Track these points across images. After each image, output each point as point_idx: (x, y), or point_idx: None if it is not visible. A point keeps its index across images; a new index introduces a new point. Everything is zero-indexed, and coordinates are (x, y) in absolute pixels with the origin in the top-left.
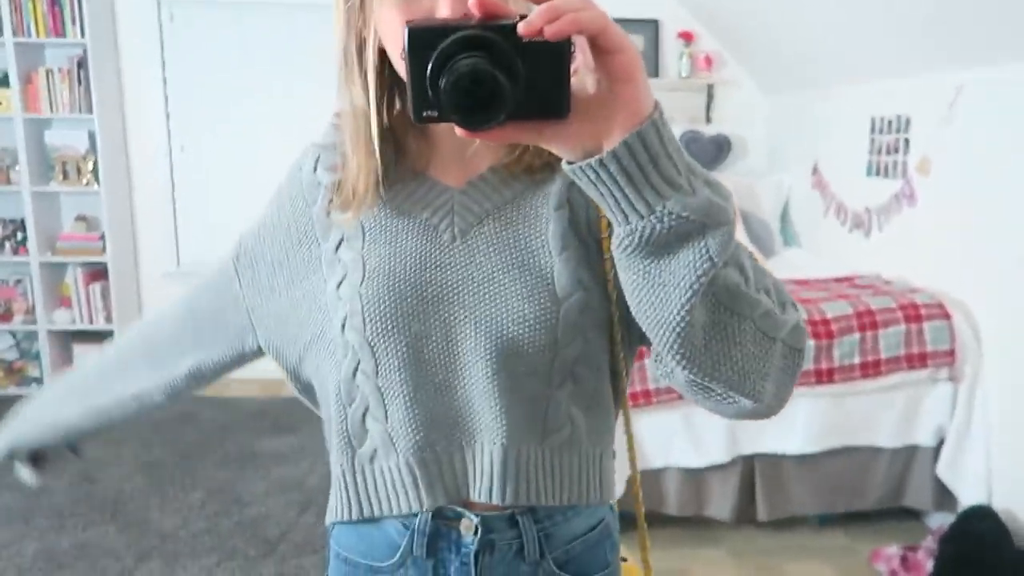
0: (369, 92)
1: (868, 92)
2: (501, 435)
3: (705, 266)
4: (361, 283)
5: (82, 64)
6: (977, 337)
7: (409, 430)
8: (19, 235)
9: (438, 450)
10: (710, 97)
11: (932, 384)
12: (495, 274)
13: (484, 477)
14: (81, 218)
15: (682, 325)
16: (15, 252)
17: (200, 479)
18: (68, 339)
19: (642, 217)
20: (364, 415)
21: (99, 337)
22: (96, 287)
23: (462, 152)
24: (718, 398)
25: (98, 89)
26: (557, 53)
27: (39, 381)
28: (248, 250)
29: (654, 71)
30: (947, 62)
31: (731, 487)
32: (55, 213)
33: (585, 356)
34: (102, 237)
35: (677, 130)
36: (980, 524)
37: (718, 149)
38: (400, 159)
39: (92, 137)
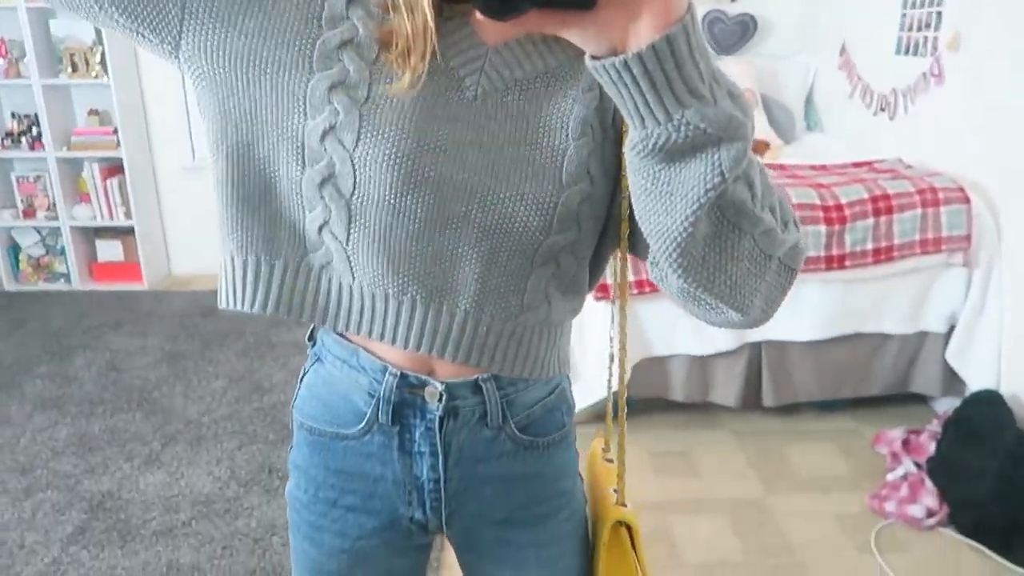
0: None
1: None
2: (475, 301)
3: (715, 180)
4: (356, 146)
5: None
6: (996, 222)
7: (374, 262)
8: (34, 130)
9: (402, 295)
10: None
11: (945, 269)
12: (505, 145)
13: (446, 337)
14: (94, 112)
15: (684, 235)
16: (31, 147)
17: (222, 368)
18: (91, 235)
19: (659, 123)
20: (321, 227)
21: (121, 232)
22: (113, 182)
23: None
24: (707, 307)
25: None
26: None
27: (67, 277)
28: None
29: None
30: None
31: (737, 373)
32: (67, 107)
33: (573, 245)
34: (115, 131)
35: (700, 9)
36: (985, 407)
37: (743, 30)
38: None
39: (98, 28)
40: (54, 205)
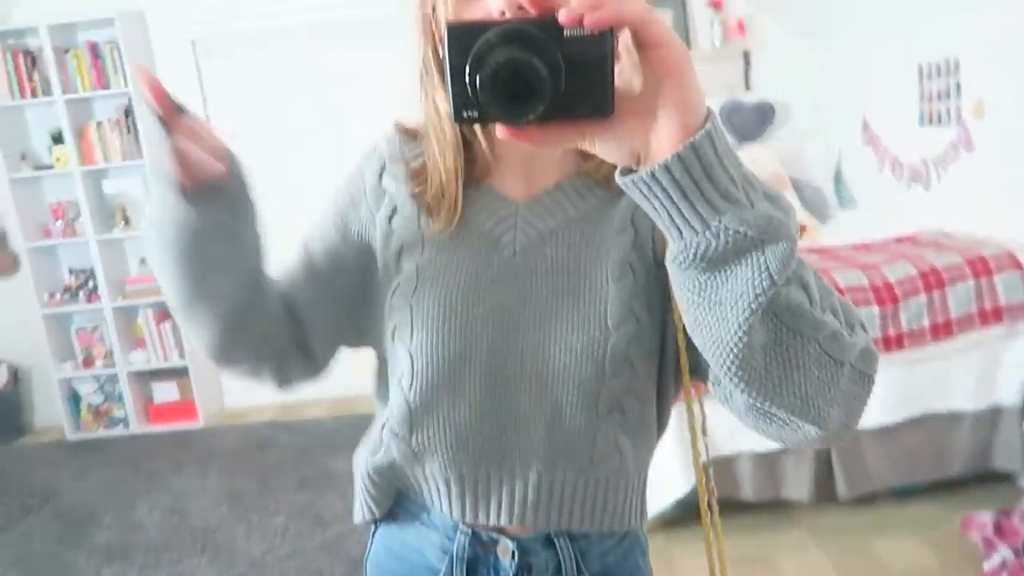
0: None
1: (913, 35)
2: (545, 462)
3: (764, 284)
4: (413, 294)
5: (128, 112)
6: None
7: (444, 445)
8: (90, 283)
9: (468, 471)
10: (747, 63)
11: (1010, 338)
12: (548, 298)
13: (522, 503)
14: (145, 261)
15: (740, 346)
16: (88, 300)
17: (282, 503)
18: (147, 378)
19: (696, 232)
20: (405, 419)
21: (175, 374)
22: (167, 325)
23: (528, 165)
24: (780, 423)
25: (147, 135)
26: (599, 45)
27: (125, 422)
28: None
29: (685, 44)
30: None
31: (807, 466)
32: (121, 258)
33: (632, 387)
34: None
35: (716, 102)
36: None
37: (761, 117)
38: (466, 167)
39: (147, 182)
40: (111, 353)
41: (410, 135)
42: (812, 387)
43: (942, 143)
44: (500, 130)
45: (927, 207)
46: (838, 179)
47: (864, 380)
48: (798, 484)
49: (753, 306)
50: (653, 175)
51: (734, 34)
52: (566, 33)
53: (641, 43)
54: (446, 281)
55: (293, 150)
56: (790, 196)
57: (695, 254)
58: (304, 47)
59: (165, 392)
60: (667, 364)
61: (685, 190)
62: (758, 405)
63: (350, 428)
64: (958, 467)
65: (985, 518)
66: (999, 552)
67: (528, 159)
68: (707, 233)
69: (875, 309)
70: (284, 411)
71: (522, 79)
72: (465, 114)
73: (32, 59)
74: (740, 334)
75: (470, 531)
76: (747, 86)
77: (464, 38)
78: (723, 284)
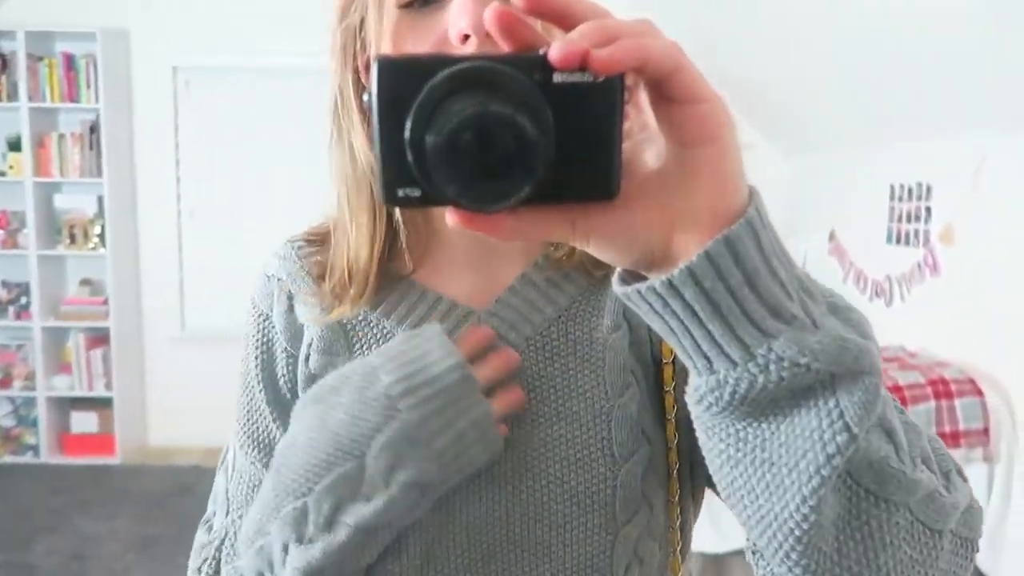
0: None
1: (888, 157)
2: None
3: (840, 439)
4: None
5: (94, 128)
6: (1011, 412)
7: None
8: (23, 299)
9: None
10: None
11: (965, 465)
12: (534, 432)
13: None
14: (86, 282)
15: (805, 524)
16: (18, 316)
17: None
18: (67, 405)
19: (736, 365)
20: None
21: (98, 404)
22: (97, 353)
23: (484, 256)
24: None
25: (109, 153)
26: (604, 96)
27: (35, 450)
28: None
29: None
30: (970, 127)
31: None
32: (60, 277)
33: (651, 529)
34: (106, 302)
35: None
36: None
37: None
38: (392, 256)
39: (101, 201)
40: (32, 374)
41: (309, 243)
42: (903, 570)
43: (908, 263)
44: (452, 216)
45: (888, 322)
46: None
47: (967, 547)
48: None
49: (824, 471)
50: (671, 284)
51: None
52: (556, 79)
53: (667, 97)
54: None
55: (260, 189)
56: None
57: (733, 393)
58: (286, 89)
59: (84, 423)
60: (684, 479)
61: (718, 304)
62: None
63: None
64: None
65: None
66: None
67: (484, 248)
68: (751, 365)
69: None
70: (209, 455)
71: (498, 145)
72: (402, 193)
73: (3, 62)
74: (805, 509)
75: None
76: None
77: (404, 78)
78: (776, 437)
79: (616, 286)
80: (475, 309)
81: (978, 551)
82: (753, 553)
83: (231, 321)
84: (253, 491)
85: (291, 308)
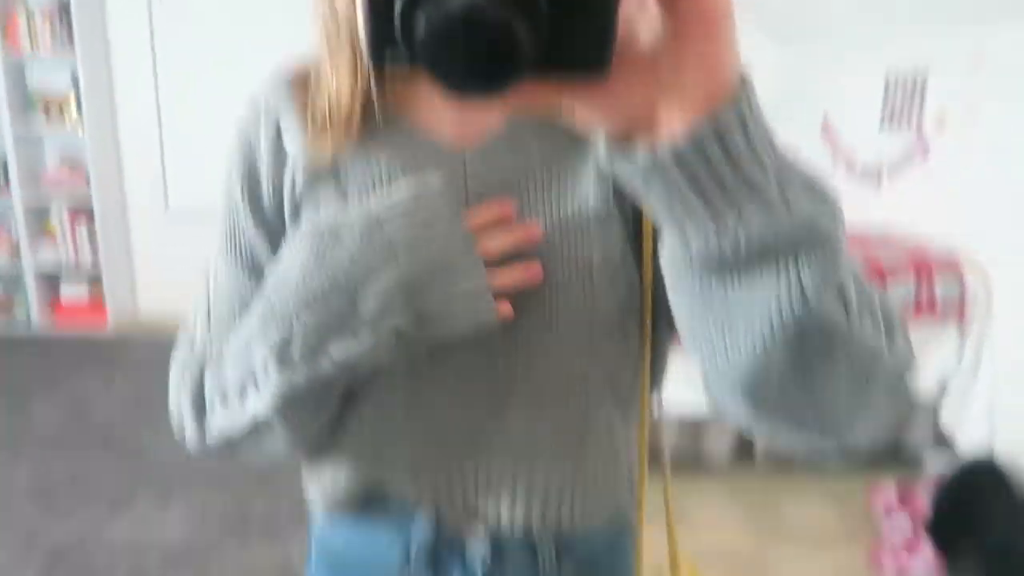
0: None
1: (884, 45)
2: (522, 449)
3: (796, 305)
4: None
5: (65, 8)
6: (988, 290)
7: (401, 432)
8: (1, 176)
9: (434, 460)
10: None
11: (939, 330)
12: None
13: (496, 494)
14: (66, 159)
15: (753, 371)
16: None
17: None
18: (55, 277)
19: (708, 235)
20: (352, 408)
21: (87, 277)
22: (82, 228)
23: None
24: (791, 440)
25: (81, 28)
26: None
27: (27, 321)
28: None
29: None
30: (968, 15)
31: (728, 427)
32: (39, 153)
33: (625, 356)
34: (87, 178)
35: None
36: (981, 473)
37: None
38: (381, 98)
39: (75, 78)
40: (18, 247)
41: (298, 82)
42: (837, 409)
43: (899, 148)
44: (440, 94)
45: (875, 207)
46: None
47: (899, 395)
48: (719, 444)
49: (777, 331)
50: (655, 160)
51: None
52: None
53: None
54: None
55: (239, 60)
56: None
57: (703, 259)
58: None
59: (74, 293)
60: (662, 311)
61: (699, 180)
62: (764, 427)
63: None
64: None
65: (889, 489)
66: (898, 520)
67: None
68: (722, 239)
69: None
70: None
71: (485, 42)
72: (388, 53)
73: None
74: (754, 358)
75: (434, 523)
76: None
77: None
78: (738, 298)
79: (601, 155)
80: (462, 150)
81: (910, 396)
82: (708, 392)
83: (215, 196)
84: (238, 306)
85: (278, 135)
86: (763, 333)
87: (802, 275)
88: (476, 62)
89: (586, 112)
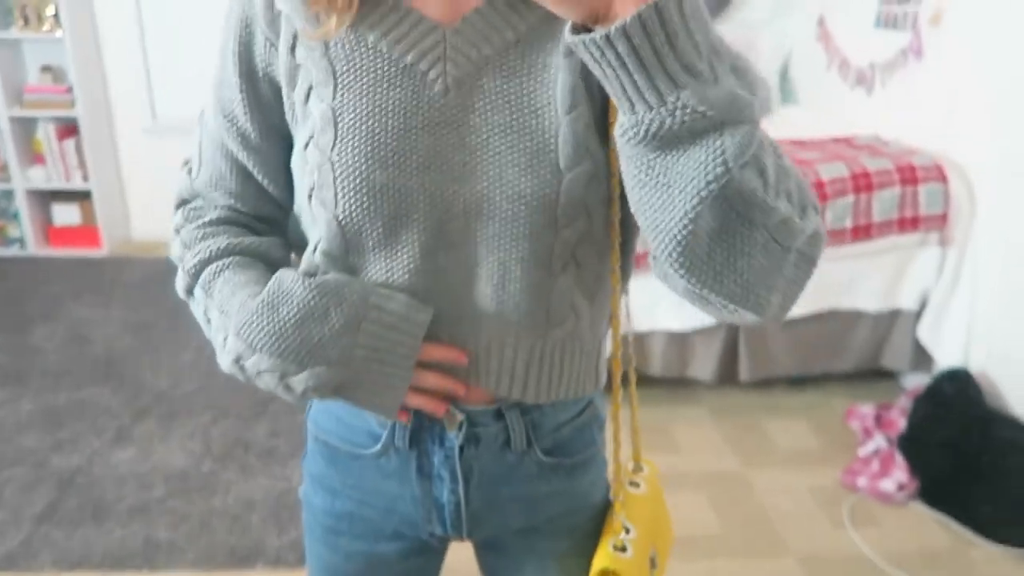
0: None
1: None
2: (492, 327)
3: (718, 171)
4: (332, 147)
5: None
6: (972, 200)
7: None
8: None
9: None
10: None
11: (920, 247)
12: (492, 139)
13: (471, 371)
14: (47, 68)
15: (684, 232)
16: None
17: (190, 339)
18: (46, 198)
19: (651, 108)
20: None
21: (78, 196)
22: (70, 143)
23: None
24: (717, 308)
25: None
26: None
27: (21, 242)
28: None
29: None
30: None
31: (714, 349)
32: (19, 63)
33: (589, 236)
34: (70, 89)
35: None
36: (954, 385)
37: None
38: None
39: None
40: (6, 166)
41: None
42: (755, 274)
43: (893, 48)
44: None
45: (867, 111)
46: (784, 74)
47: (807, 264)
48: (704, 364)
49: (703, 193)
50: (608, 38)
51: None
52: None
53: None
54: (370, 130)
55: None
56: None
57: (647, 131)
58: None
59: (66, 215)
60: (628, 209)
61: (643, 58)
62: (695, 291)
63: None
64: (851, 362)
65: (867, 410)
66: (874, 440)
67: None
68: (662, 109)
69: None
70: None
71: None
72: None
73: None
74: (686, 220)
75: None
76: None
77: None
78: (673, 166)
79: (567, 36)
80: (443, 24)
81: (815, 267)
82: (653, 258)
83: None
84: (218, 150)
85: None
86: (693, 195)
87: (724, 143)
88: None
89: (558, 4)
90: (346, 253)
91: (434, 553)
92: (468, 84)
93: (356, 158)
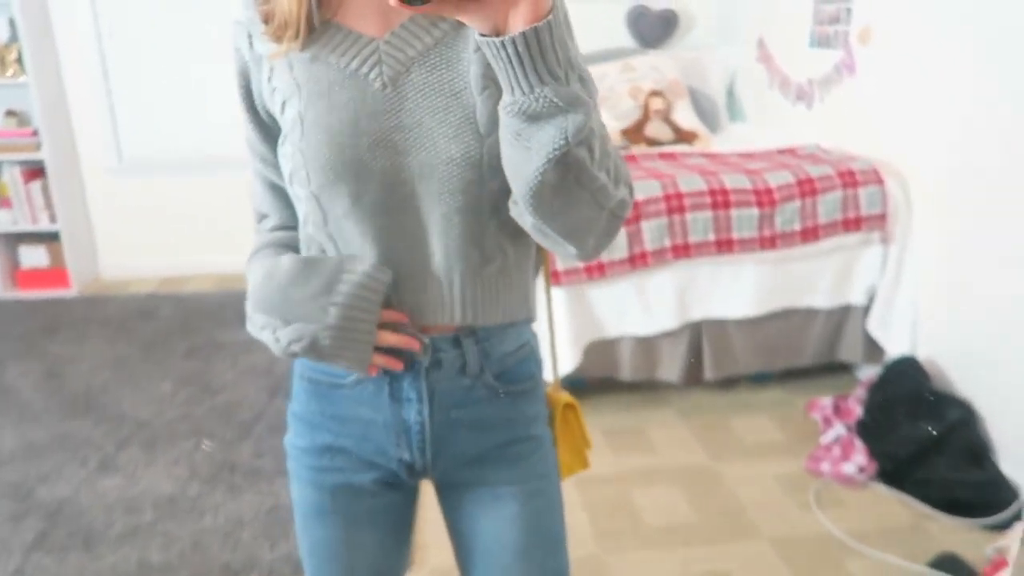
0: None
1: None
2: (444, 266)
3: (560, 142)
4: (300, 139)
5: None
6: (908, 200)
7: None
8: None
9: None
10: None
11: (865, 246)
12: (424, 119)
13: (428, 304)
14: (11, 113)
15: (535, 181)
16: None
17: (169, 371)
18: (13, 241)
19: (524, 93)
20: (310, 224)
21: (45, 238)
22: (36, 185)
23: (381, 2)
24: (552, 241)
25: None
26: None
27: None
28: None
29: None
30: None
31: (680, 352)
32: None
33: (509, 188)
34: (35, 133)
35: (624, 5)
36: (904, 371)
37: (665, 24)
38: (318, 8)
39: (13, 24)
40: None
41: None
42: (580, 221)
43: (828, 65)
44: (393, 1)
45: (808, 124)
46: (731, 93)
47: (615, 221)
48: (671, 367)
49: (550, 156)
50: (503, 44)
51: None
52: None
53: None
54: (329, 123)
55: (180, 5)
56: (687, 105)
57: (518, 108)
58: None
59: (34, 257)
60: None
61: (522, 60)
62: (539, 226)
63: (237, 303)
64: (809, 357)
65: (826, 401)
66: (834, 429)
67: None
68: (531, 96)
69: (755, 211)
70: (166, 283)
71: None
72: None
73: None
74: (537, 173)
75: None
76: None
77: None
78: (533, 134)
79: (476, 37)
80: (377, 37)
81: (621, 225)
82: (514, 204)
83: (169, 150)
84: (256, 177)
85: (251, 44)
86: (543, 156)
87: (567, 127)
88: None
89: (470, 17)
90: (324, 222)
91: (407, 491)
92: (401, 80)
93: (319, 145)
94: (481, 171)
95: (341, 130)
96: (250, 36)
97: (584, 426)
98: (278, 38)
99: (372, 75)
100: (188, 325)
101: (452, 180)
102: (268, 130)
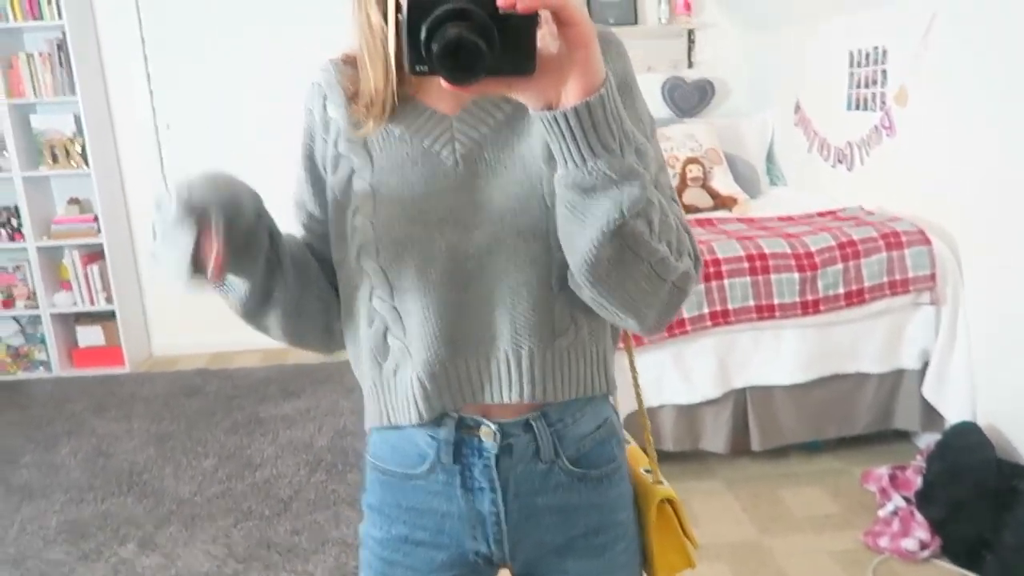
0: (388, 5)
1: (846, 25)
2: (512, 341)
3: (615, 215)
4: (373, 213)
5: (61, 47)
6: (957, 260)
7: (423, 345)
8: (14, 221)
9: (448, 362)
10: (691, 42)
11: (915, 308)
12: (494, 194)
13: (497, 380)
14: (74, 201)
15: (591, 254)
16: (11, 238)
17: (211, 447)
18: (71, 321)
19: (577, 166)
20: (385, 333)
21: (101, 317)
22: (94, 268)
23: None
24: (611, 314)
25: (80, 71)
26: (527, 23)
27: (47, 365)
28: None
29: (633, 18)
30: None
31: (724, 420)
32: (47, 197)
33: None
34: (96, 219)
35: (660, 77)
36: (965, 439)
37: (701, 94)
38: (401, 87)
39: (78, 119)
40: (34, 294)
41: (344, 63)
42: (639, 294)
43: (867, 127)
44: (444, 83)
45: (849, 186)
46: (770, 157)
47: (679, 294)
48: (716, 436)
49: (605, 229)
50: (555, 119)
51: (680, 12)
52: (501, 12)
53: (559, 20)
54: (401, 197)
55: (235, 95)
56: (724, 171)
57: (572, 180)
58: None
59: (90, 336)
60: None
61: (575, 135)
62: (597, 300)
63: (281, 377)
64: (862, 425)
65: (882, 471)
66: (892, 500)
67: None
68: (584, 168)
69: (796, 275)
70: (214, 359)
71: (467, 55)
72: (418, 68)
73: None
74: (592, 246)
75: (457, 416)
76: (690, 63)
77: (421, 7)
78: (588, 207)
79: (531, 112)
80: (449, 115)
81: (686, 298)
82: (570, 273)
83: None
84: (302, 228)
85: (325, 107)
86: (598, 229)
87: (622, 200)
88: (460, 63)
89: (521, 94)
90: (391, 295)
91: None
92: (472, 157)
93: (391, 219)
94: (548, 242)
95: (413, 205)
96: (325, 98)
97: (687, 521)
98: (365, 114)
99: (445, 152)
100: (232, 401)
101: (519, 253)
102: (323, 192)
